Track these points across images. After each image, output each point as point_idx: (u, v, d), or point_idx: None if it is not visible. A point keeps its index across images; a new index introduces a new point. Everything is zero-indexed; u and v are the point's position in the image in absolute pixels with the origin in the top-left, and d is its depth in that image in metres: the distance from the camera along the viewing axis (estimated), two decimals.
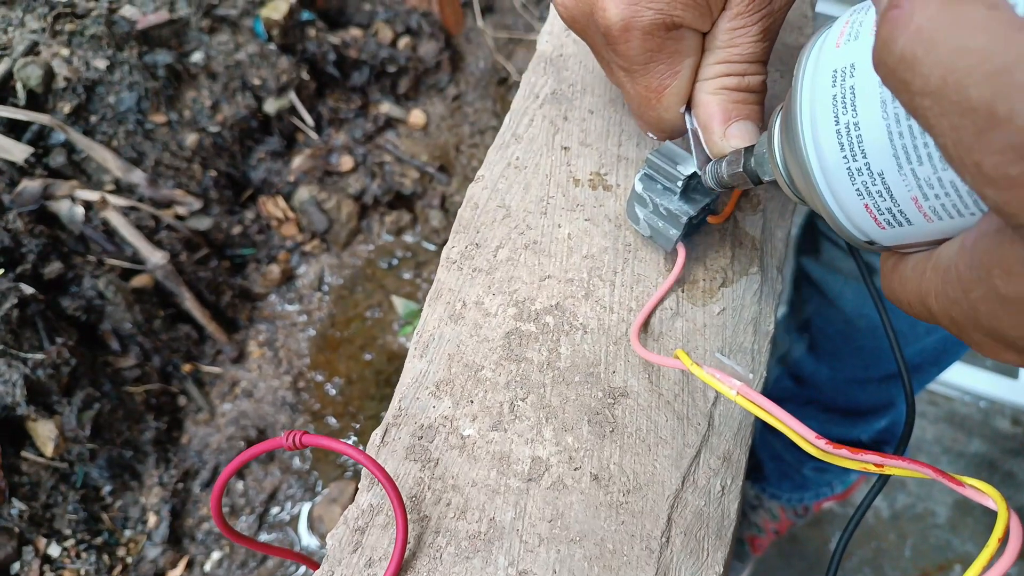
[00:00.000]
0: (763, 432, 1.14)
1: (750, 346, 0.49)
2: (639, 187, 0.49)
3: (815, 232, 0.82)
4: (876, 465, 0.36)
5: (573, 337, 0.48)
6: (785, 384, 1.02)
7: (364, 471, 0.44)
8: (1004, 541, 0.34)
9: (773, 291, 0.52)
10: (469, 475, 0.43)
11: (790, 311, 1.01)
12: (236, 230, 1.32)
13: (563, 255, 0.51)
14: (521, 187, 0.55)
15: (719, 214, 0.53)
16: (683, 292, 0.50)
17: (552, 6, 0.65)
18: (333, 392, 1.25)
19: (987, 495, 0.36)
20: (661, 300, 0.49)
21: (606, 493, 0.43)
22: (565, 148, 0.56)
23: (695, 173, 0.48)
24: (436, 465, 0.44)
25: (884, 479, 0.52)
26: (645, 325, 0.48)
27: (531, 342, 0.48)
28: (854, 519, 0.52)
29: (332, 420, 1.21)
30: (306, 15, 1.42)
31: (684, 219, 0.48)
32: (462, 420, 0.45)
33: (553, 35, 0.64)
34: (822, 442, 0.36)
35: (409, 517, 0.42)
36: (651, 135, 0.47)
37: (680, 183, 0.47)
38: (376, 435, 0.45)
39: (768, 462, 1.18)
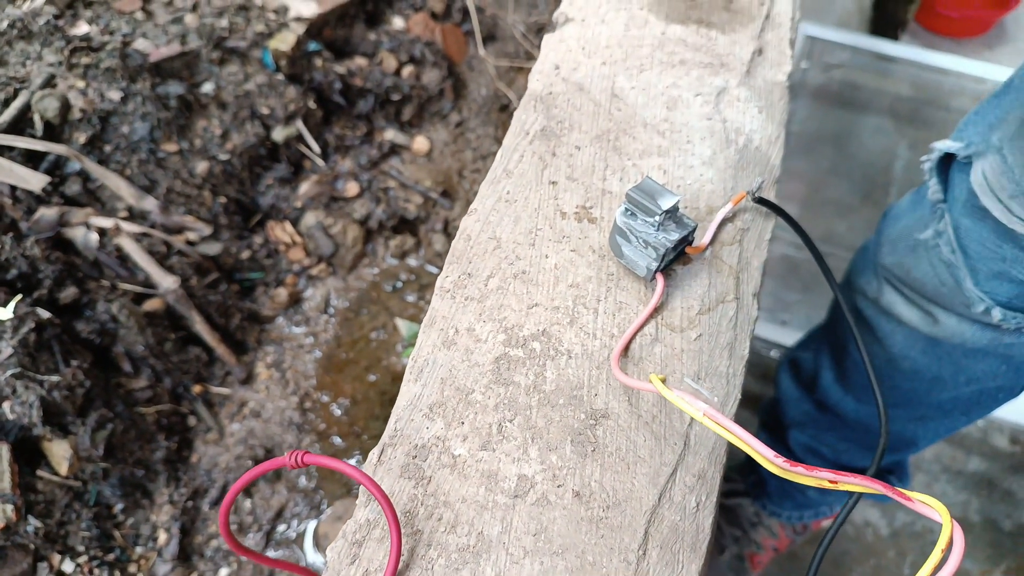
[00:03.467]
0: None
1: (725, 370, 0.52)
2: (620, 220, 0.52)
3: (877, 275, 0.82)
4: (831, 481, 0.39)
5: (558, 362, 0.51)
6: (806, 408, 1.02)
7: (362, 488, 0.47)
8: (947, 551, 0.37)
9: (748, 317, 0.55)
10: (459, 492, 0.46)
11: (822, 340, 1.01)
12: (245, 254, 1.35)
13: (550, 284, 0.55)
14: (511, 220, 0.58)
15: (697, 246, 0.56)
16: (662, 319, 0.53)
17: (541, 47, 0.69)
18: (338, 412, 1.28)
19: (934, 509, 0.39)
20: (641, 327, 0.52)
21: (587, 509, 0.45)
22: (553, 183, 0.60)
23: (673, 207, 0.51)
24: (429, 482, 0.47)
25: (857, 499, 0.55)
26: (626, 350, 0.51)
27: (519, 367, 0.51)
28: (828, 535, 0.54)
29: (337, 439, 1.24)
30: (313, 46, 1.46)
31: (662, 250, 0.51)
32: (453, 440, 0.48)
33: (543, 74, 0.68)
34: (780, 460, 0.39)
35: (403, 531, 0.45)
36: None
37: (658, 217, 0.51)
38: (373, 454, 0.49)
39: (771, 480, 1.18)
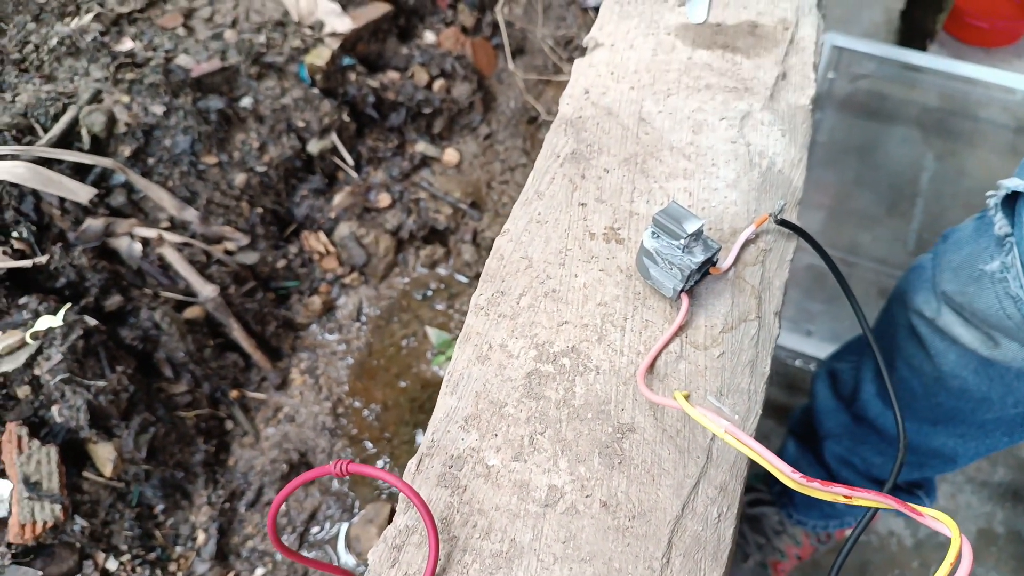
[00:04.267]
0: (797, 457, 1.15)
1: (747, 387, 0.54)
2: (647, 242, 0.55)
3: (936, 297, 0.82)
4: (845, 496, 0.41)
5: (587, 377, 0.54)
6: (843, 420, 1.02)
7: (401, 496, 0.50)
8: (956, 565, 0.39)
9: (770, 336, 0.57)
10: (493, 500, 0.49)
11: (865, 353, 1.01)
12: (280, 264, 1.40)
13: (579, 302, 0.57)
14: (542, 240, 0.61)
15: (721, 267, 0.58)
16: (687, 337, 0.56)
17: (572, 71, 0.72)
18: (370, 417, 1.31)
19: (943, 523, 0.41)
20: (666, 345, 0.55)
21: (614, 518, 0.48)
22: (582, 204, 0.63)
23: (698, 231, 0.54)
24: (464, 491, 0.50)
25: (873, 512, 0.57)
26: (652, 367, 0.54)
27: (549, 382, 0.54)
28: (845, 549, 0.56)
29: (369, 444, 1.28)
30: (347, 60, 1.50)
31: (687, 271, 0.54)
32: (487, 451, 0.51)
33: (573, 98, 0.71)
34: (797, 475, 0.41)
35: (440, 537, 0.48)
36: None
37: (683, 240, 0.53)
38: (412, 464, 0.52)
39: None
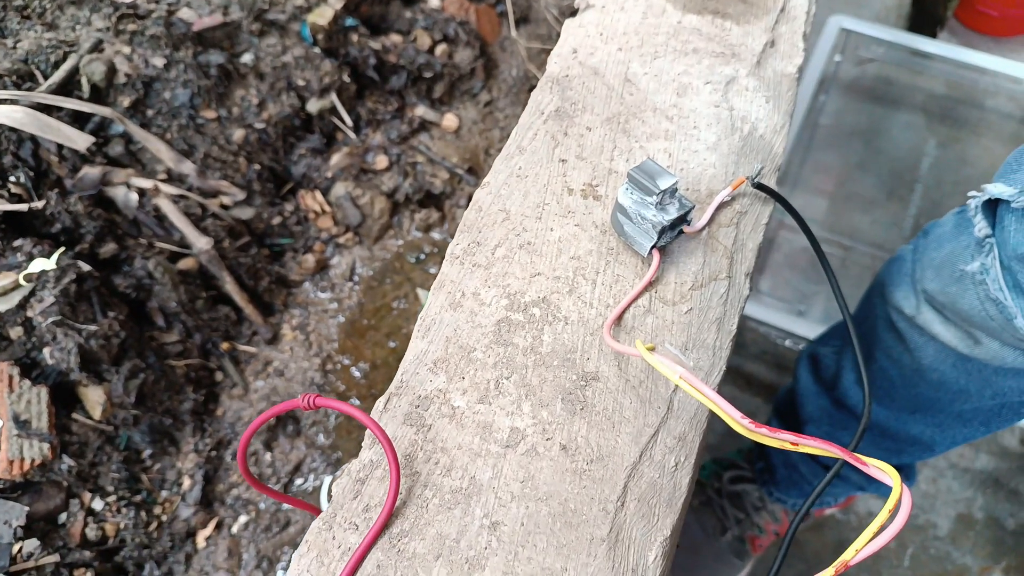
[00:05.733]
0: None
1: (712, 343, 0.55)
2: (621, 198, 0.56)
3: (916, 293, 0.81)
4: (792, 443, 0.42)
5: (555, 327, 0.55)
6: (823, 404, 1.03)
7: (367, 432, 0.52)
8: (894, 513, 0.41)
9: (739, 296, 0.58)
10: (456, 439, 0.50)
11: (847, 340, 1.01)
12: (276, 221, 1.41)
13: (553, 255, 0.58)
14: (521, 194, 0.62)
15: (694, 226, 0.59)
16: (656, 293, 0.57)
17: (562, 31, 0.72)
18: (358, 375, 1.33)
19: (887, 474, 0.42)
20: (635, 299, 0.56)
21: (572, 461, 0.49)
22: (563, 160, 0.63)
23: (671, 187, 0.54)
24: (429, 430, 0.51)
25: (836, 470, 0.58)
26: (619, 319, 0.55)
27: (518, 330, 0.55)
28: (803, 508, 0.58)
29: (355, 401, 1.30)
30: (350, 21, 1.50)
31: (659, 228, 0.55)
32: (454, 393, 0.52)
33: (561, 57, 0.71)
34: (746, 421, 0.42)
35: (402, 472, 0.49)
36: None
37: (656, 195, 0.54)
38: (380, 403, 0.53)
39: (781, 469, 1.19)
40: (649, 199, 0.54)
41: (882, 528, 0.40)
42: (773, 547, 1.39)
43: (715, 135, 0.65)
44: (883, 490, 1.10)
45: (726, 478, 1.32)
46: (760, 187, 0.61)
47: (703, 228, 0.59)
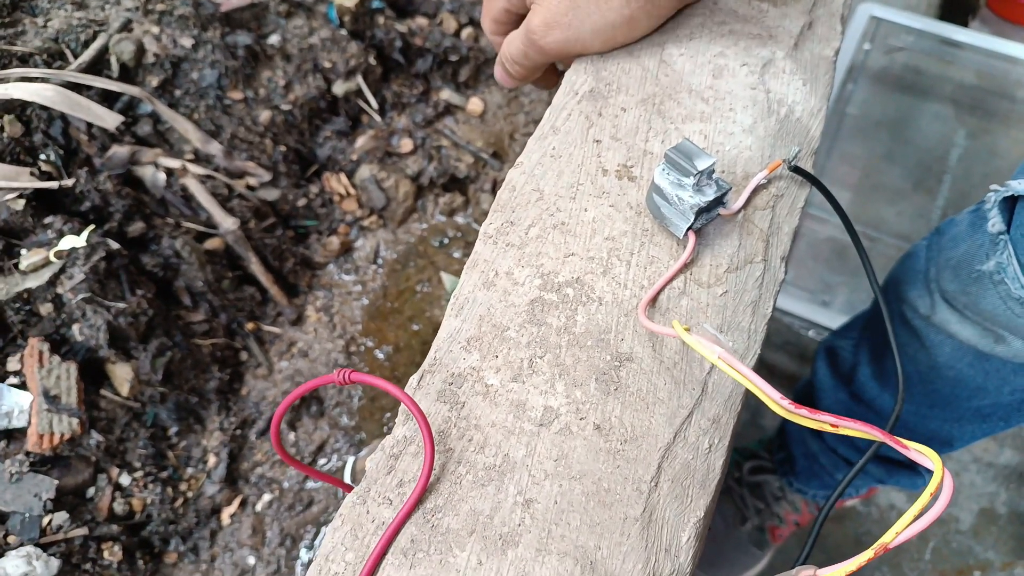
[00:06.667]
0: (801, 432, 1.15)
1: (747, 326, 0.55)
2: (657, 178, 0.55)
3: (931, 292, 0.80)
4: (832, 425, 0.42)
5: (589, 307, 0.55)
6: (841, 398, 1.02)
7: (401, 407, 0.52)
8: (936, 496, 0.40)
9: (775, 279, 0.58)
10: (489, 417, 0.50)
11: (863, 334, 1.00)
12: (301, 202, 1.41)
13: (587, 236, 0.58)
14: (555, 174, 0.61)
15: (730, 208, 0.58)
16: (691, 275, 0.56)
17: None
18: (381, 357, 1.34)
19: (927, 457, 0.42)
20: (670, 280, 0.55)
21: (606, 441, 0.49)
22: (597, 141, 0.63)
23: (708, 168, 0.54)
24: (462, 407, 0.51)
25: (863, 464, 0.58)
26: (654, 301, 0.55)
27: (552, 309, 0.55)
28: (833, 496, 0.57)
29: None
30: (376, 3, 1.50)
31: (696, 209, 0.54)
32: (487, 371, 0.52)
33: None
34: (786, 402, 0.42)
35: (436, 448, 0.49)
36: None
37: (693, 177, 0.54)
38: (413, 379, 0.53)
39: (801, 460, 1.19)
40: (686, 180, 0.54)
41: (923, 511, 0.39)
42: (793, 537, 1.39)
43: (751, 117, 0.64)
44: (904, 482, 1.10)
45: (746, 468, 1.32)
46: (797, 170, 0.60)
47: (739, 211, 0.59)
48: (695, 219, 0.55)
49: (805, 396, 1.15)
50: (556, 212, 0.59)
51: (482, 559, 0.45)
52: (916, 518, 0.39)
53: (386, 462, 0.50)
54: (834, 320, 1.48)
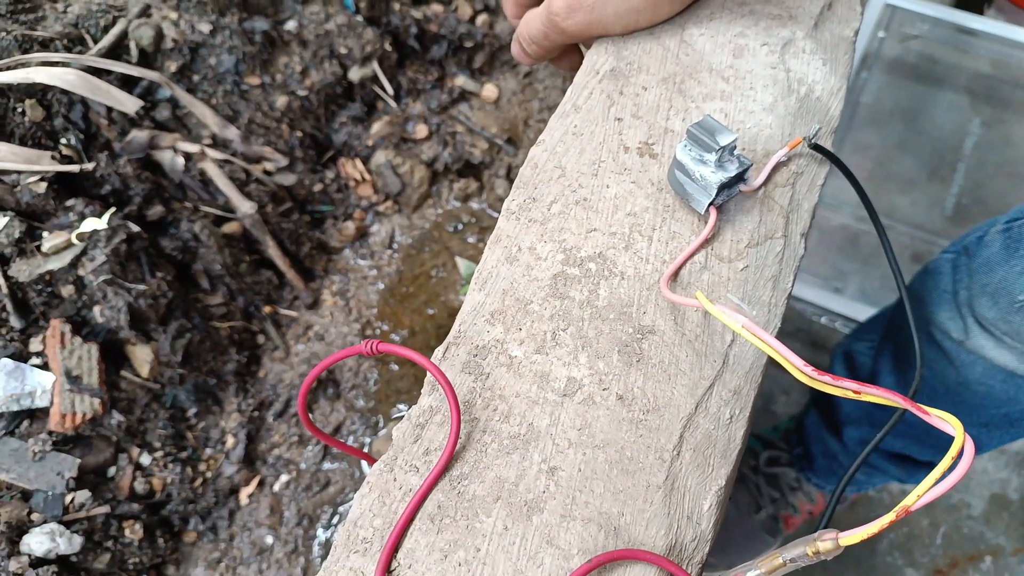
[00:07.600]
0: (820, 429, 1.14)
1: (768, 299, 0.55)
2: (679, 154, 0.56)
3: (962, 316, 0.78)
4: (854, 392, 0.42)
5: (611, 281, 0.55)
6: (863, 403, 0.99)
7: (428, 378, 0.53)
8: (957, 459, 0.41)
9: (795, 255, 0.58)
10: (514, 388, 0.51)
11: (884, 342, 0.99)
12: (317, 187, 1.42)
13: (609, 212, 0.59)
14: (576, 151, 0.62)
15: (751, 185, 0.59)
16: (712, 250, 0.57)
17: None
18: (397, 341, 1.35)
19: (948, 423, 0.42)
20: (692, 255, 0.56)
21: (628, 411, 0.50)
22: (618, 119, 0.63)
23: (730, 144, 0.54)
24: (487, 378, 0.52)
25: (881, 438, 0.58)
26: (675, 275, 0.55)
27: (574, 283, 0.55)
28: (848, 474, 0.58)
29: (395, 367, 1.31)
30: None
31: (717, 185, 0.55)
32: (511, 343, 0.53)
33: None
34: (809, 368, 0.43)
35: (462, 417, 0.50)
36: None
37: (715, 153, 0.54)
38: (439, 351, 0.54)
39: (820, 458, 1.18)
40: (708, 156, 0.54)
41: (944, 475, 0.40)
42: (805, 525, 1.40)
43: (771, 96, 0.64)
44: (920, 482, 1.09)
45: (763, 458, 1.31)
46: (817, 148, 0.61)
47: (759, 187, 0.59)
48: (716, 195, 0.56)
49: (823, 401, 1.13)
50: (578, 188, 0.60)
51: (508, 524, 0.46)
52: (937, 481, 0.40)
53: (412, 431, 0.51)
54: (847, 307, 1.48)
